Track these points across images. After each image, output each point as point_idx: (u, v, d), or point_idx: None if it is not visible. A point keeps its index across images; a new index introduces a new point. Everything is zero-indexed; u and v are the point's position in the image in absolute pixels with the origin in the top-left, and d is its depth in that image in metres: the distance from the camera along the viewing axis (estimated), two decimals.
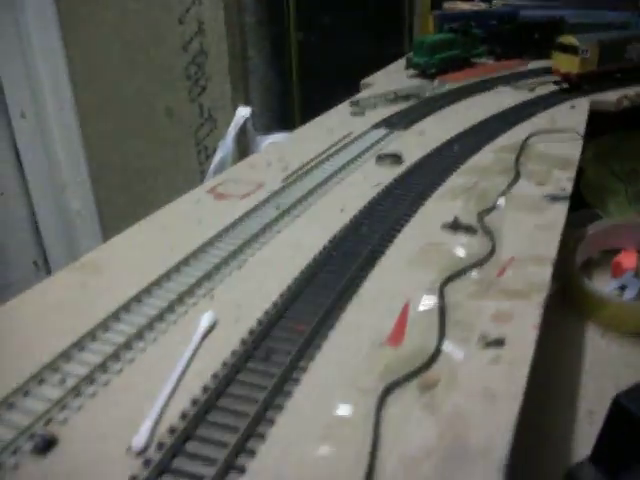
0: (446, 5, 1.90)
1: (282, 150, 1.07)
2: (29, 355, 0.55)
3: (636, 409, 0.62)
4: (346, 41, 1.72)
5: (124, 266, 0.70)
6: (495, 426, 0.46)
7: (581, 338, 0.92)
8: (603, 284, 1.00)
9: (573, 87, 1.33)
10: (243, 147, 1.49)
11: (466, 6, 1.91)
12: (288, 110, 1.65)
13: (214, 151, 1.50)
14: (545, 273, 0.66)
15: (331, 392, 0.50)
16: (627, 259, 1.01)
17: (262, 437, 0.45)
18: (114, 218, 0.62)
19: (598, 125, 1.29)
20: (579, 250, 1.01)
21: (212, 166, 1.46)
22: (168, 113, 1.57)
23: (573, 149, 1.02)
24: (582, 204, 1.45)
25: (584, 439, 0.73)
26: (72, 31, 1.57)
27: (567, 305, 0.97)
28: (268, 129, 1.59)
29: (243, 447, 0.44)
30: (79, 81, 1.65)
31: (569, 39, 1.29)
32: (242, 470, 0.43)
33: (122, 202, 1.68)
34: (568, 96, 1.32)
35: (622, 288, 0.98)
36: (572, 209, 0.83)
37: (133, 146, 1.65)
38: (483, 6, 1.94)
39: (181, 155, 1.61)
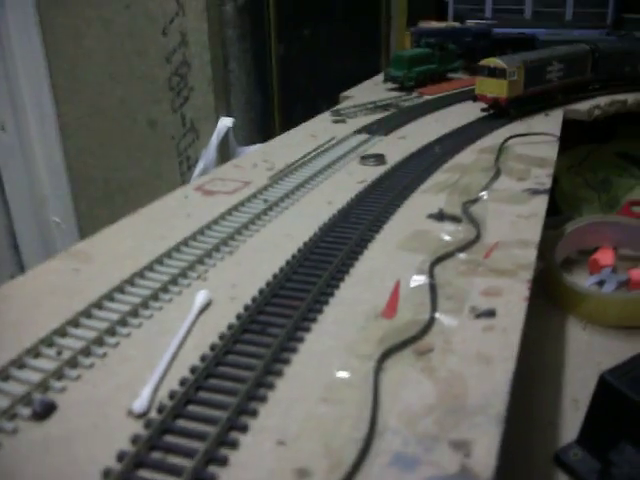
0: (421, 24, 1.95)
1: (267, 152, 1.08)
2: (23, 333, 0.54)
3: (621, 385, 0.64)
4: (325, 56, 1.76)
5: (115, 254, 0.71)
6: (492, 385, 0.47)
7: (563, 332, 0.94)
8: (582, 280, 1.02)
9: (502, 113, 1.25)
10: (224, 158, 1.51)
11: (441, 25, 1.97)
12: (268, 122, 1.67)
13: (196, 162, 1.51)
14: (530, 254, 0.68)
15: (329, 359, 0.50)
16: (604, 256, 1.04)
17: (263, 399, 0.46)
18: (95, 232, 0.62)
19: (570, 138, 1.33)
20: (557, 249, 1.03)
21: (195, 175, 1.47)
22: (150, 124, 1.57)
23: (549, 150, 1.05)
24: (558, 213, 1.49)
25: (570, 425, 0.75)
26: (54, 44, 1.58)
27: (548, 301, 0.99)
28: (249, 141, 1.61)
29: (245, 408, 0.45)
30: (60, 93, 1.65)
31: (495, 61, 1.21)
32: (244, 429, 0.43)
33: (103, 215, 1.67)
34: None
35: (600, 284, 1.00)
36: (548, 216, 0.85)
37: (115, 158, 1.65)
38: (457, 25, 1.99)
39: (163, 166, 1.61)
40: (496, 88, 1.21)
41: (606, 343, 0.90)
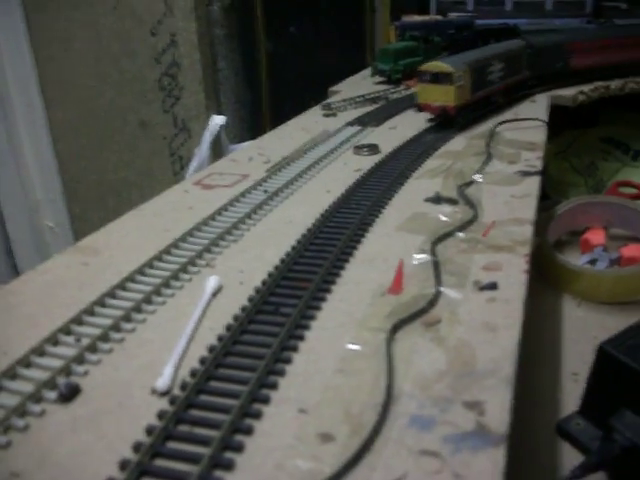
0: (404, 18, 1.98)
1: (261, 147, 1.10)
2: (39, 324, 0.56)
3: (619, 354, 0.66)
4: (312, 52, 1.78)
5: (123, 247, 0.72)
6: (500, 351, 0.49)
7: (558, 309, 0.96)
8: (574, 260, 1.05)
9: (449, 123, 1.12)
10: (217, 156, 1.52)
11: (424, 18, 1.99)
12: (258, 120, 1.69)
13: (189, 161, 1.53)
14: (526, 231, 0.70)
15: (342, 334, 0.52)
16: (595, 236, 1.06)
17: (282, 373, 0.47)
18: (88, 234, 0.62)
19: (556, 124, 1.35)
20: (549, 230, 1.05)
21: (188, 174, 1.48)
22: (142, 125, 1.58)
23: (538, 135, 1.08)
24: (546, 198, 1.51)
25: (571, 397, 0.77)
26: (42, 47, 1.59)
27: (542, 281, 1.01)
28: (240, 139, 1.62)
29: (265, 382, 0.46)
30: (51, 97, 1.65)
31: (438, 65, 1.07)
32: (266, 400, 0.45)
33: (96, 217, 1.68)
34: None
35: (592, 262, 1.03)
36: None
37: (107, 160, 1.66)
38: (440, 18, 2.02)
39: (155, 166, 1.62)
40: (442, 95, 1.08)
41: (601, 318, 0.92)
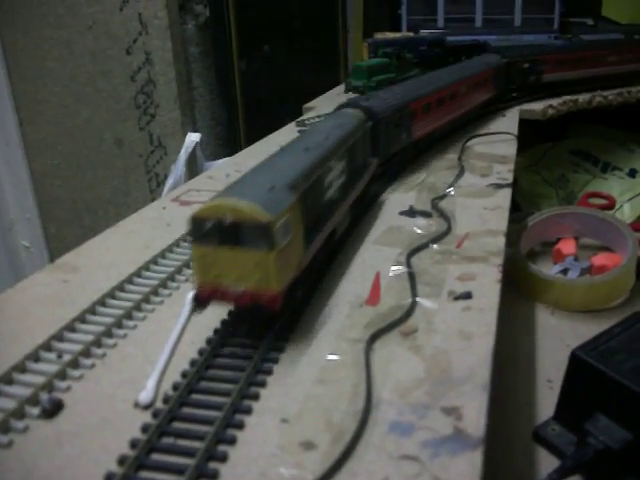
0: (377, 36, 2.01)
1: (238, 163, 1.11)
2: (19, 342, 0.56)
3: (591, 359, 0.68)
4: (286, 70, 1.80)
5: (102, 264, 0.72)
6: (475, 358, 0.50)
7: (532, 318, 0.98)
8: (547, 270, 1.07)
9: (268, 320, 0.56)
10: (193, 173, 1.52)
11: (396, 35, 2.03)
12: (234, 137, 1.70)
13: (165, 178, 1.53)
14: (499, 242, 0.72)
15: (321, 344, 0.53)
16: (566, 246, 1.09)
17: (262, 384, 0.48)
18: (64, 253, 0.62)
19: (527, 138, 1.39)
20: (521, 241, 1.08)
21: (165, 191, 1.48)
22: (117, 143, 1.59)
23: (509, 148, 1.10)
24: (517, 210, 1.54)
25: (546, 403, 0.78)
26: (17, 66, 1.58)
27: (515, 291, 1.03)
28: (215, 155, 1.63)
29: (247, 393, 0.47)
30: (25, 116, 1.65)
31: (238, 209, 0.50)
32: (248, 411, 0.45)
33: (72, 236, 1.67)
34: None
35: (564, 272, 1.05)
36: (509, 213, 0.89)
37: (82, 178, 1.66)
38: (411, 35, 2.06)
39: (132, 184, 1.62)
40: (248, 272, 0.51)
41: (573, 326, 0.94)
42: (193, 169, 1.52)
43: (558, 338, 0.93)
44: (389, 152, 0.92)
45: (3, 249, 1.81)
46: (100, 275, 0.69)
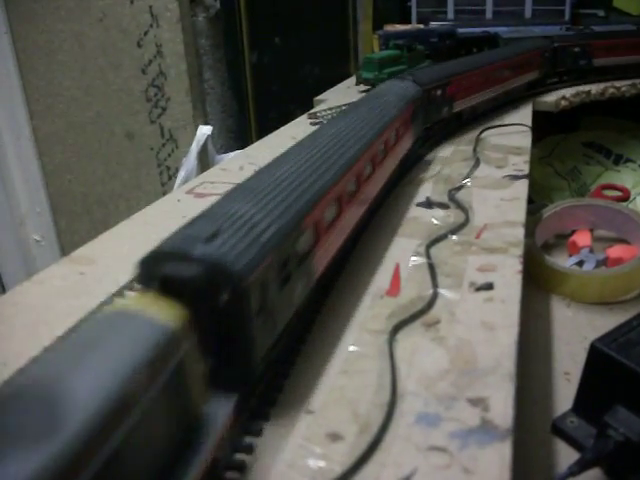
0: (386, 28, 2.00)
1: (250, 155, 1.11)
2: (39, 333, 0.56)
3: (611, 351, 0.68)
4: (297, 62, 1.80)
5: (118, 256, 0.72)
6: (499, 349, 0.50)
7: (548, 311, 0.97)
8: (562, 262, 1.06)
9: None
10: (204, 166, 1.52)
11: (406, 27, 2.02)
12: (245, 130, 1.69)
13: (176, 171, 1.53)
14: (518, 233, 0.71)
15: (343, 336, 0.53)
16: (581, 238, 1.08)
17: (285, 376, 0.48)
18: (75, 247, 0.62)
19: (539, 130, 1.38)
20: (536, 233, 1.07)
21: (177, 184, 1.49)
22: (128, 136, 1.59)
23: (524, 139, 1.10)
24: (530, 202, 1.53)
25: (564, 396, 0.78)
26: (28, 60, 1.58)
27: (531, 284, 1.03)
28: (226, 149, 1.63)
29: (270, 384, 0.47)
30: (35, 109, 1.65)
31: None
32: (273, 402, 0.45)
33: (83, 230, 1.67)
34: None
35: (580, 264, 1.04)
36: None
37: (93, 172, 1.66)
38: (422, 27, 2.05)
39: (143, 178, 1.62)
40: None
41: (590, 318, 0.94)
42: (204, 162, 1.52)
43: (574, 330, 0.92)
44: (433, 119, 1.05)
45: (14, 243, 1.82)
46: (116, 267, 0.68)
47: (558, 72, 1.48)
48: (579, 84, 1.49)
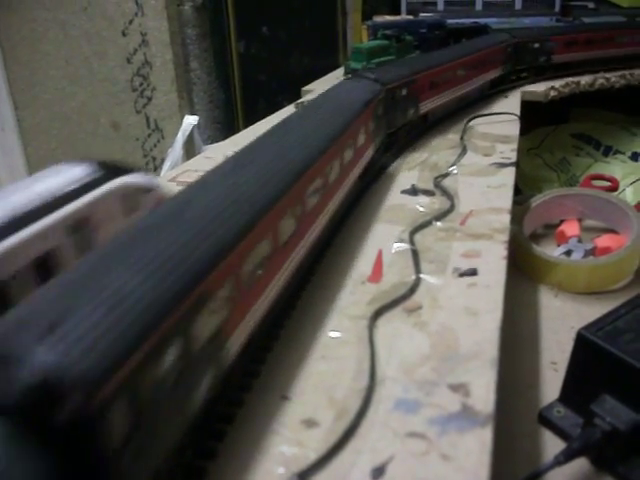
0: (376, 18, 1.98)
1: (236, 143, 1.09)
2: None
3: (598, 339, 0.67)
4: (285, 52, 1.78)
5: None
6: (482, 334, 0.49)
7: (535, 300, 0.96)
8: (550, 251, 1.05)
9: None
10: (190, 157, 1.50)
11: (395, 18, 2.00)
12: (232, 120, 1.67)
13: (162, 162, 1.51)
14: (504, 219, 0.70)
15: (323, 321, 0.52)
16: (569, 227, 1.07)
17: (262, 361, 0.47)
18: None
19: (528, 121, 1.37)
20: (524, 223, 1.06)
21: (162, 174, 1.46)
22: (114, 126, 1.57)
23: (512, 128, 1.09)
24: (518, 194, 1.53)
25: (551, 386, 0.77)
26: (11, 49, 1.56)
27: (518, 273, 1.02)
28: (213, 139, 1.61)
29: (246, 369, 0.45)
30: (19, 99, 1.63)
31: None
32: (248, 388, 0.44)
33: None
34: None
35: (567, 253, 1.04)
36: None
37: None
38: (411, 17, 2.03)
39: None
40: None
41: (577, 308, 0.93)
42: (191, 153, 1.50)
43: (562, 320, 0.91)
44: (397, 124, 0.91)
45: None
46: None
47: (517, 70, 1.41)
48: (538, 80, 1.44)
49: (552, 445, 0.67)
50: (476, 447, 0.37)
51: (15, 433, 0.22)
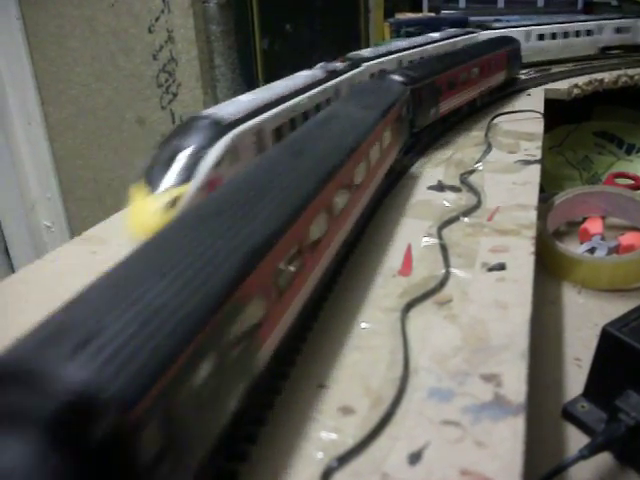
0: (397, 16, 1.99)
1: None
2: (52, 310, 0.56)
3: (623, 335, 0.67)
4: (308, 49, 1.79)
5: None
6: (512, 327, 0.50)
7: (559, 297, 0.97)
8: (574, 249, 1.06)
9: None
10: None
11: (418, 15, 2.01)
12: None
13: None
14: (531, 215, 0.71)
15: (355, 313, 0.53)
16: (593, 225, 1.07)
17: (298, 351, 0.48)
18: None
19: (550, 119, 1.37)
20: (548, 220, 1.06)
21: None
22: (139, 122, 1.58)
23: (536, 126, 1.09)
24: (541, 192, 1.52)
25: (575, 381, 0.78)
26: (38, 45, 1.58)
27: (542, 270, 1.02)
28: None
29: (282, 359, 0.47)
30: (47, 95, 1.65)
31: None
32: (285, 376, 0.45)
33: (93, 216, 1.67)
34: None
35: (591, 251, 1.04)
36: None
37: (104, 158, 1.66)
38: (433, 15, 2.04)
39: None
40: None
41: (601, 305, 0.93)
42: None
43: (585, 317, 0.91)
44: (421, 123, 0.92)
45: (25, 228, 1.83)
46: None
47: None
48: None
49: (576, 440, 0.67)
50: (510, 435, 0.38)
51: (47, 449, 0.22)
